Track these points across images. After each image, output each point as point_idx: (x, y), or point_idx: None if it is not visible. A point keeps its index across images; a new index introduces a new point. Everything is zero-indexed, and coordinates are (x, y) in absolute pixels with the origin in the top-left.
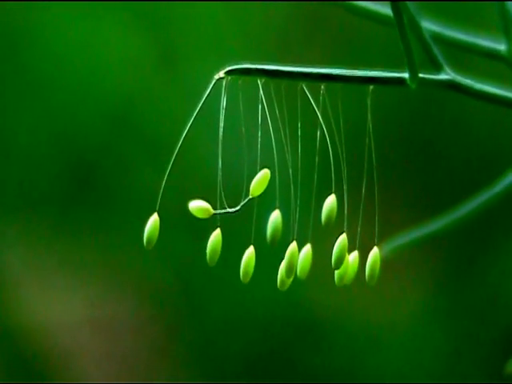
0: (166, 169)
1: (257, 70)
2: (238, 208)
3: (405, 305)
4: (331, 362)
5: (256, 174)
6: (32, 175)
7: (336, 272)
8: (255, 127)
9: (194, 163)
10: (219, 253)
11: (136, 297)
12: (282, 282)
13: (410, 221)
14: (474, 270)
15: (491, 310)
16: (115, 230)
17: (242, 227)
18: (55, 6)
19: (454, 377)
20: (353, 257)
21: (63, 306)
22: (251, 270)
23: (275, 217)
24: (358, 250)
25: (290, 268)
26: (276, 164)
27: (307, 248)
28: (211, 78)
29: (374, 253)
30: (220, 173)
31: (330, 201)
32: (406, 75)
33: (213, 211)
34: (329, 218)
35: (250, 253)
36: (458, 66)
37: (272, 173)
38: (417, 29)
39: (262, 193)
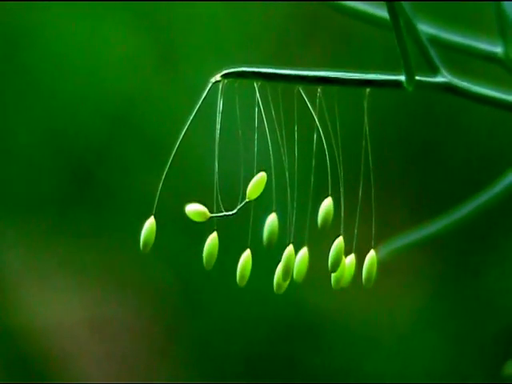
0: (165, 169)
1: (253, 73)
2: (234, 211)
3: (404, 305)
4: (330, 362)
5: (253, 177)
6: (32, 176)
7: (333, 275)
8: (252, 130)
9: (191, 166)
10: (216, 256)
11: (135, 297)
12: (279, 285)
13: (408, 222)
14: (472, 270)
15: (490, 311)
16: (115, 230)
17: (239, 230)
18: (55, 6)
19: (453, 377)
20: (349, 260)
21: (63, 306)
22: (248, 273)
23: (272, 220)
24: (355, 253)
25: (287, 271)
26: (272, 167)
27: (304, 251)
28: (210, 78)
29: (371, 256)
30: (216, 176)
31: (327, 203)
32: (402, 78)
33: (209, 214)
34: (325, 220)
35: (246, 256)
36: (455, 69)
37: (268, 176)
38: (413, 31)
39: (259, 196)
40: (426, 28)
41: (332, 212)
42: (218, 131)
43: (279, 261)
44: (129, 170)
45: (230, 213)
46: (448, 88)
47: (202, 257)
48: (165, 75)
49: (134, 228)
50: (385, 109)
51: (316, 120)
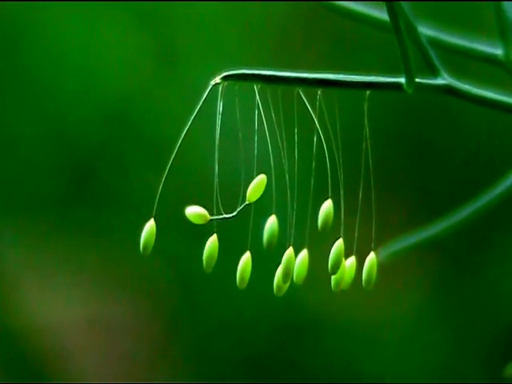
0: (165, 170)
1: (253, 75)
2: (234, 213)
3: (404, 306)
4: (331, 362)
5: (253, 179)
6: (32, 176)
7: (333, 277)
8: (252, 132)
9: (191, 168)
10: (216, 259)
11: (135, 297)
12: (279, 287)
13: (408, 224)
14: (472, 271)
15: (490, 311)
16: (114, 230)
17: (239, 232)
18: (55, 6)
19: (453, 377)
20: (350, 262)
21: (63, 305)
22: (248, 275)
23: (272, 222)
24: (355, 255)
25: (287, 273)
26: (272, 169)
27: (304, 253)
28: (210, 78)
29: (371, 258)
30: (216, 178)
31: (327, 206)
32: (402, 80)
33: (209, 217)
34: (325, 223)
35: (246, 258)
36: (455, 71)
37: (268, 178)
38: (413, 33)
39: (259, 198)
40: (426, 30)
41: (332, 214)
42: (217, 133)
43: (279, 263)
44: (129, 169)
45: (230, 215)
46: (448, 90)
47: (201, 258)
48: (164, 75)
49: (133, 228)
50: (385, 111)
51: (316, 122)
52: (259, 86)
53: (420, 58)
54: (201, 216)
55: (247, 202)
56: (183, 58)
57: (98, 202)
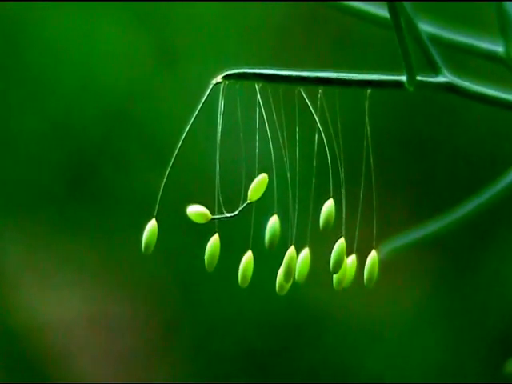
0: (166, 168)
1: (254, 74)
2: (236, 213)
3: (404, 303)
4: (331, 360)
5: (254, 178)
6: (32, 174)
7: (334, 276)
8: (253, 131)
9: (192, 167)
10: (217, 258)
11: (135, 296)
12: (281, 286)
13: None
14: (472, 268)
15: (490, 308)
16: (115, 230)
17: (241, 232)
18: (56, 5)
19: (452, 375)
20: (351, 260)
21: (62, 304)
22: (249, 274)
23: (273, 221)
24: (357, 252)
25: (289, 272)
26: (274, 168)
27: (305, 252)
28: (210, 77)
29: (373, 256)
30: (218, 177)
31: (328, 205)
32: (403, 78)
33: (211, 216)
34: (327, 222)
35: (248, 257)
36: (456, 68)
37: (270, 177)
38: (414, 30)
39: (260, 197)
40: (426, 27)
41: (334, 214)
42: (219, 132)
43: (281, 262)
44: (129, 168)
45: (232, 214)
46: (449, 88)
47: (202, 257)
48: (165, 74)
49: (134, 226)
50: (386, 109)
51: (317, 121)
52: (260, 85)
53: (421, 55)
54: (202, 215)
55: (249, 201)
56: (184, 56)
57: (99, 201)
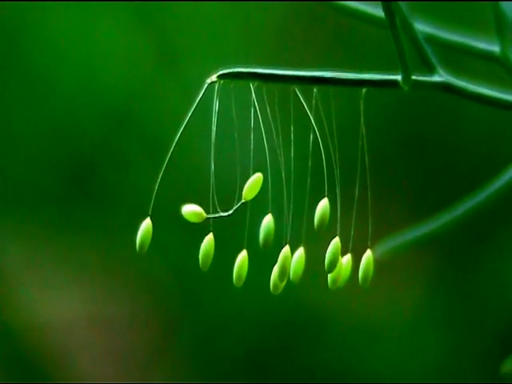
0: (162, 168)
1: (248, 73)
2: (230, 212)
3: (402, 303)
4: (329, 360)
5: (249, 177)
6: (31, 174)
7: (329, 275)
8: (248, 131)
9: (187, 166)
10: (212, 257)
11: (134, 295)
12: (275, 285)
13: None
14: (471, 267)
15: (489, 307)
16: (113, 228)
17: (235, 231)
18: (56, 5)
19: (452, 376)
20: (346, 260)
21: (62, 304)
22: (244, 273)
23: (268, 220)
24: (352, 252)
25: (283, 271)
26: (269, 167)
27: (300, 251)
28: (207, 79)
29: (368, 256)
30: (213, 176)
31: (323, 204)
32: (399, 77)
33: (206, 215)
34: (322, 221)
35: (243, 256)
36: (452, 68)
37: (265, 176)
38: (410, 30)
39: (255, 196)
40: (422, 27)
41: (328, 213)
42: (214, 132)
43: (276, 261)
44: (127, 168)
45: (226, 213)
46: (445, 87)
47: (198, 257)
48: (164, 73)
49: (134, 226)
50: (381, 109)
51: (312, 120)
52: (255, 85)
53: (417, 55)
54: (197, 214)
55: (243, 201)
56: (184, 56)
57: (98, 200)
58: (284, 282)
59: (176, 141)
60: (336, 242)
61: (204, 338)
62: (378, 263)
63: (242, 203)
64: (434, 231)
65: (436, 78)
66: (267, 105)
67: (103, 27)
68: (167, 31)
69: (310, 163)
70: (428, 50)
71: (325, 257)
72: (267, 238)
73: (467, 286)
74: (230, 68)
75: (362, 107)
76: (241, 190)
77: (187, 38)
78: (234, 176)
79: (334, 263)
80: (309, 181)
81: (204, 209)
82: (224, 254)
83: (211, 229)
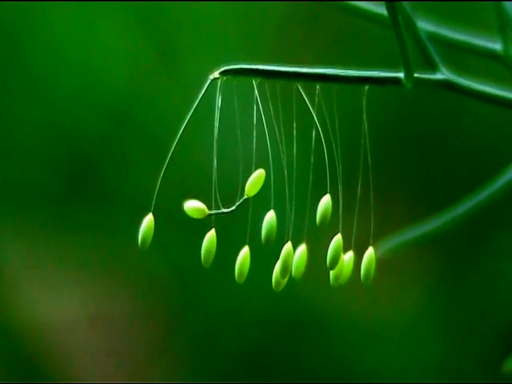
0: (164, 165)
1: (251, 70)
2: (233, 208)
3: (403, 301)
4: (330, 358)
5: (251, 173)
6: (31, 173)
7: (331, 272)
8: (251, 127)
9: (189, 162)
10: (214, 254)
11: (134, 295)
12: (277, 282)
13: (407, 219)
14: (472, 266)
15: (489, 306)
16: (114, 228)
17: (237, 227)
18: (56, 5)
19: (450, 376)
20: (348, 257)
21: (62, 304)
22: (246, 270)
23: (270, 217)
24: (354, 250)
25: (285, 268)
26: (271, 164)
27: (302, 248)
28: (210, 74)
29: (369, 253)
30: (215, 173)
31: (325, 201)
32: (401, 75)
33: (208, 211)
34: (324, 217)
35: (244, 253)
36: (454, 66)
37: (267, 173)
38: (412, 28)
39: (257, 193)
40: (425, 25)
41: (330, 209)
42: (216, 128)
43: (278, 257)
44: (127, 167)
45: (229, 210)
46: (447, 85)
47: (199, 254)
48: (163, 73)
49: (133, 225)
50: (384, 106)
51: (314, 117)
52: (258, 81)
53: (419, 53)
54: (199, 210)
55: (246, 197)
56: (184, 56)
57: (99, 200)
58: (286, 279)
59: (178, 137)
60: (338, 238)
61: (204, 338)
62: (379, 263)
63: (244, 199)
64: (435, 230)
65: (438, 76)
66: (270, 102)
67: (103, 27)
68: (167, 31)
69: (312, 160)
70: (430, 48)
71: (326, 254)
72: (269, 234)
73: (467, 285)
74: (229, 64)
75: (364, 104)
76: (243, 186)
77: (187, 38)
78: (236, 172)
79: (336, 260)
80: (311, 177)
81: (206, 205)
82: (226, 251)
83: (213, 225)
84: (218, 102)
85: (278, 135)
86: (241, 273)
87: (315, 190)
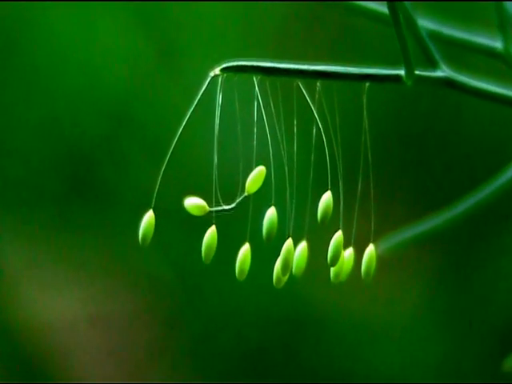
0: (164, 162)
1: (252, 67)
2: (233, 205)
3: (403, 300)
4: (330, 357)
5: (251, 171)
6: (31, 172)
7: (332, 269)
8: (251, 124)
9: (190, 160)
10: (214, 250)
11: (134, 295)
12: (278, 279)
13: (407, 217)
14: (472, 265)
15: (489, 305)
16: (114, 227)
17: (238, 224)
18: (56, 5)
19: (450, 376)
20: (348, 254)
21: (61, 304)
22: (247, 267)
23: (271, 214)
24: (355, 247)
25: (286, 265)
26: (272, 161)
27: (303, 245)
28: (210, 71)
29: (370, 250)
30: (216, 170)
31: (326, 197)
32: (402, 72)
33: (208, 208)
34: (325, 214)
35: (245, 250)
36: (455, 64)
37: (267, 170)
38: (413, 26)
39: (258, 190)
40: (425, 23)
41: (331, 206)
42: (217, 125)
43: (278, 255)
44: (127, 166)
45: (229, 207)
46: (447, 83)
47: (200, 253)
48: (164, 72)
49: (133, 225)
50: (385, 104)
51: (315, 114)
52: (258, 78)
53: (420, 50)
54: (200, 207)
55: (246, 194)
56: (184, 56)
57: (99, 200)
58: (287, 276)
59: (179, 134)
60: (339, 235)
61: (204, 338)
62: (379, 261)
63: (245, 197)
64: (435, 229)
65: (439, 74)
66: (270, 99)
67: (103, 27)
68: (167, 31)
69: (312, 157)
70: (431, 46)
71: (327, 251)
72: (270, 231)
73: (467, 285)
74: (230, 61)
75: (364, 102)
76: (243, 183)
77: (187, 37)
78: (236, 169)
79: (336, 257)
80: (311, 174)
81: (207, 202)
82: (226, 248)
83: (214, 221)
84: (219, 98)
85: (278, 132)
86: (241, 270)
87: (316, 187)
